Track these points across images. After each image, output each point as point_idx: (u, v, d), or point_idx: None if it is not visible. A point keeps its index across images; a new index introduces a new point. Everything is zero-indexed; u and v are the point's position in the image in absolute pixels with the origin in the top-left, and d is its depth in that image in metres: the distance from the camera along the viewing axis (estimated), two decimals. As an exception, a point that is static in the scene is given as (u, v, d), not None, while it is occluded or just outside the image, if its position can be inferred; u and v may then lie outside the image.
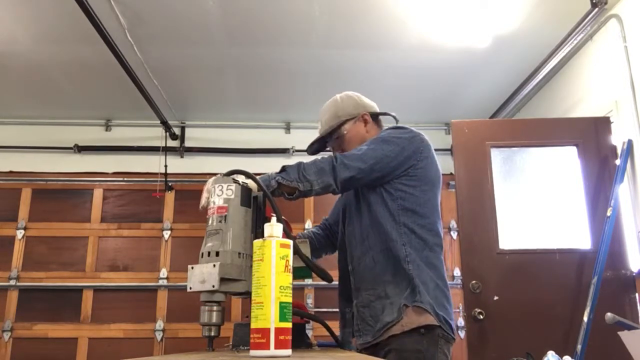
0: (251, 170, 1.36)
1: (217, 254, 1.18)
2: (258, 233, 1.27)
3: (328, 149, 1.89)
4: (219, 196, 1.24)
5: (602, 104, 3.07)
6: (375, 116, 1.84)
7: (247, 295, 1.19)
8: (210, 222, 1.23)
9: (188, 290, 1.18)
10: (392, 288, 1.58)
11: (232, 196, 1.24)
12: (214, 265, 1.15)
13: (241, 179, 1.31)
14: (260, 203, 1.32)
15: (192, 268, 1.18)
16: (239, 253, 1.20)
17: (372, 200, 1.65)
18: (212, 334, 1.18)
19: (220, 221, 1.21)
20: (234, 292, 1.19)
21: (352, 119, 1.80)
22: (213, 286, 1.14)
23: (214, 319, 1.17)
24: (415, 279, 1.55)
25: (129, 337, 4.07)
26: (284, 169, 1.51)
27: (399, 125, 1.74)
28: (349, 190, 1.68)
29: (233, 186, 1.25)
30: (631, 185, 2.83)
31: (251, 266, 1.16)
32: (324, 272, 1.51)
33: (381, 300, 1.58)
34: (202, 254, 1.19)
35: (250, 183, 1.33)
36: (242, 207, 1.25)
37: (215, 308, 1.17)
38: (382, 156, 1.60)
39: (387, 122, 1.89)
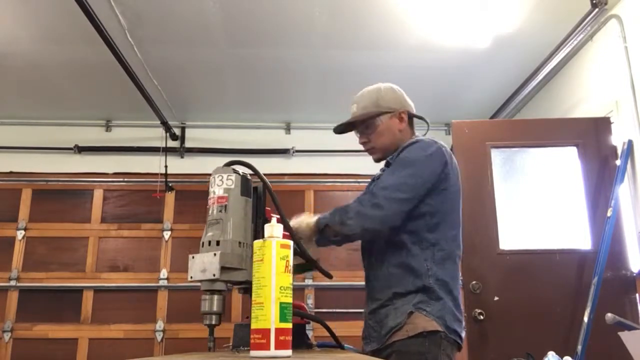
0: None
1: (218, 243, 1.18)
2: (258, 223, 1.27)
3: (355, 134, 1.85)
4: (219, 186, 1.24)
5: (602, 104, 3.07)
6: (410, 117, 1.81)
7: (247, 284, 1.19)
8: (210, 211, 1.24)
9: (189, 279, 1.19)
10: (401, 298, 1.57)
11: (232, 186, 1.24)
12: (215, 254, 1.15)
13: (241, 169, 1.32)
14: (260, 193, 1.33)
15: (193, 257, 1.19)
16: (240, 242, 1.21)
17: None
18: (213, 322, 1.19)
19: (220, 211, 1.22)
20: (234, 281, 1.19)
21: (389, 113, 1.74)
22: (214, 275, 1.15)
23: (215, 308, 1.18)
24: (435, 292, 1.55)
25: (129, 338, 4.07)
26: (332, 212, 1.58)
27: (419, 140, 1.70)
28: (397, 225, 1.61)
29: (233, 176, 1.25)
30: (631, 185, 2.83)
31: (251, 256, 1.17)
32: (324, 270, 1.53)
33: (386, 307, 1.59)
34: (203, 243, 1.20)
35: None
36: (243, 197, 1.25)
37: (216, 297, 1.17)
38: (420, 181, 1.59)
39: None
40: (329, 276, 1.58)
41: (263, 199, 1.32)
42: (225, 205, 1.22)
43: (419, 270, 1.57)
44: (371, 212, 1.55)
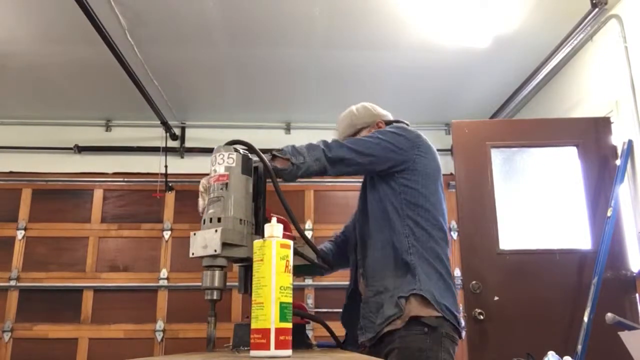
0: (251, 171, 1.37)
1: (219, 220, 1.19)
2: (259, 201, 1.29)
3: None
4: (220, 164, 1.25)
5: (602, 104, 3.07)
6: (389, 124, 1.86)
7: (248, 261, 1.19)
8: (211, 189, 1.24)
9: (190, 255, 1.20)
10: (392, 282, 1.58)
11: (233, 164, 1.25)
12: (216, 231, 1.16)
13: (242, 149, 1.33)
14: (261, 173, 1.34)
15: (195, 234, 1.20)
16: (241, 219, 1.22)
17: (376, 197, 1.68)
18: (215, 297, 1.19)
19: (221, 188, 1.23)
20: (235, 257, 1.20)
21: (367, 127, 1.83)
22: (215, 251, 1.15)
23: (216, 283, 1.18)
24: (417, 269, 1.57)
25: (129, 338, 4.07)
26: (282, 149, 1.57)
27: (399, 124, 1.78)
28: (341, 172, 1.65)
29: (234, 155, 1.26)
30: (631, 185, 2.83)
31: (252, 233, 1.17)
32: (322, 265, 1.53)
33: (380, 295, 1.59)
34: (204, 220, 1.21)
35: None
36: (243, 176, 1.27)
37: (217, 272, 1.18)
38: (378, 142, 1.64)
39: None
40: (328, 266, 1.59)
41: (263, 178, 1.34)
42: (227, 183, 1.23)
43: (401, 247, 1.60)
44: (323, 147, 1.58)
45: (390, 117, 1.89)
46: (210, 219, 1.19)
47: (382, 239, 1.64)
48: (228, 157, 1.26)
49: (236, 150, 1.29)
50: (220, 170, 1.25)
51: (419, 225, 1.63)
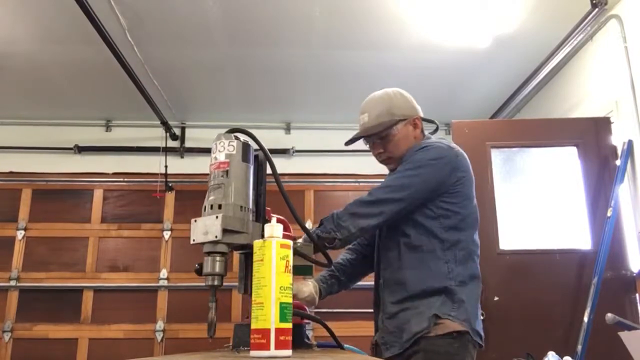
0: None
1: (220, 206, 1.19)
2: (259, 189, 1.30)
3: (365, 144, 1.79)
4: (220, 152, 1.26)
5: (602, 105, 3.07)
6: (423, 122, 1.78)
7: (248, 248, 1.20)
8: (212, 176, 1.25)
9: (191, 242, 1.20)
10: (425, 301, 1.55)
11: (234, 152, 1.26)
12: (217, 217, 1.16)
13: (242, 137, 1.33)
14: (261, 161, 1.35)
15: (195, 221, 1.20)
16: (241, 206, 1.22)
17: (412, 220, 1.61)
18: (216, 283, 1.20)
19: (222, 176, 1.23)
20: (236, 244, 1.20)
21: (404, 120, 1.70)
22: (216, 237, 1.15)
23: (217, 269, 1.19)
24: (457, 295, 1.54)
25: (129, 338, 4.07)
26: (322, 222, 1.53)
27: (430, 145, 1.67)
28: (394, 222, 1.62)
29: (234, 142, 1.27)
30: (631, 185, 2.83)
31: (253, 220, 1.17)
32: (322, 263, 1.52)
33: (407, 311, 1.57)
34: (205, 207, 1.21)
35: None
36: (244, 163, 1.27)
37: (218, 258, 1.18)
38: (419, 182, 1.57)
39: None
40: (330, 263, 1.58)
41: (264, 167, 1.34)
42: (227, 171, 1.24)
43: (439, 271, 1.56)
44: (365, 211, 1.55)
45: (421, 113, 1.79)
46: (211, 206, 1.20)
47: (417, 260, 1.59)
48: (229, 145, 1.27)
49: (237, 138, 1.29)
50: (221, 157, 1.26)
51: (459, 246, 1.59)
